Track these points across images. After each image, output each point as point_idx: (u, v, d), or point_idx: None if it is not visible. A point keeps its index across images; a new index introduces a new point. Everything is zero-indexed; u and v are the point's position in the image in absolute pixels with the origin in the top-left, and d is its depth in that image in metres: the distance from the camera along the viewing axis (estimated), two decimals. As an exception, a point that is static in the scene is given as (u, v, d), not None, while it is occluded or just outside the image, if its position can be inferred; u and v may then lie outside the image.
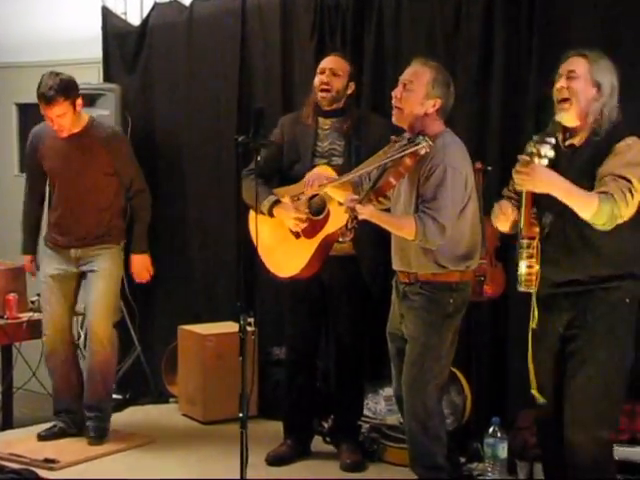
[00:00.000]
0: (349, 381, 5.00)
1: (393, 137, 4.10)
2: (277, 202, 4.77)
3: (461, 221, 3.94)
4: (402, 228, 3.93)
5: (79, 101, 5.00)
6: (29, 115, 5.48)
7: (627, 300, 3.48)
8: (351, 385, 5.01)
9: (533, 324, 3.67)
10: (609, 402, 3.51)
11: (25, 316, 5.48)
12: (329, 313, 5.01)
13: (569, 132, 3.60)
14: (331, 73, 4.81)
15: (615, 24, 4.66)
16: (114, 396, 5.88)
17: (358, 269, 4.78)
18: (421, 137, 3.87)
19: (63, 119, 4.94)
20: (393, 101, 4.06)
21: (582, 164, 3.48)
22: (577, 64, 3.55)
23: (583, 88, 3.52)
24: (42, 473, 4.55)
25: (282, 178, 4.93)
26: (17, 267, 5.56)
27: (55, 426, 5.22)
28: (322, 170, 4.57)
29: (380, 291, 4.53)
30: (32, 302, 5.55)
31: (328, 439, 5.17)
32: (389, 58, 5.31)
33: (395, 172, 3.88)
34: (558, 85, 3.59)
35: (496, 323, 5.02)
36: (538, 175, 3.36)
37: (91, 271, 5.12)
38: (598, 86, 3.50)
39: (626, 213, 3.35)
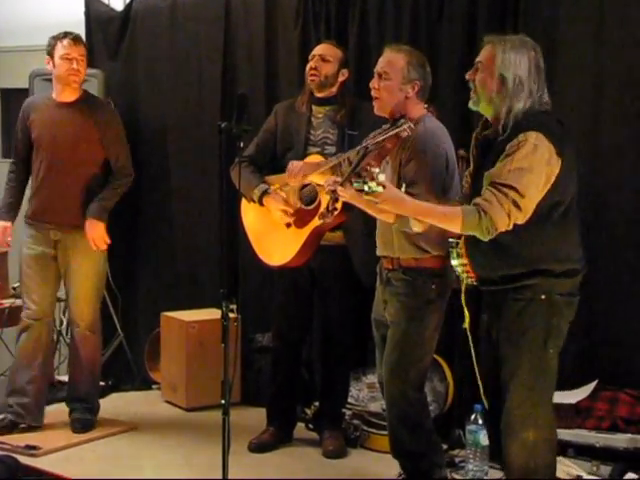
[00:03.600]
0: (335, 369, 5.01)
1: (384, 126, 4.10)
2: (268, 191, 4.77)
3: (442, 204, 3.94)
4: (382, 212, 3.93)
5: (86, 65, 5.08)
6: (12, 100, 5.45)
7: (542, 297, 3.40)
8: (337, 373, 5.02)
9: (465, 324, 3.68)
10: (532, 404, 3.45)
11: (7, 302, 5.46)
12: (317, 302, 5.02)
13: (489, 122, 3.54)
14: (320, 59, 4.81)
15: (602, 8, 4.67)
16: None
17: (348, 259, 4.78)
18: (402, 120, 3.88)
19: (82, 64, 4.98)
20: (372, 92, 4.07)
21: (489, 162, 3.42)
22: (483, 55, 3.47)
23: (486, 81, 3.44)
24: (24, 459, 4.55)
25: (275, 166, 4.93)
26: (0, 253, 5.53)
27: (5, 418, 5.09)
28: (313, 159, 4.57)
29: (371, 280, 4.52)
30: (14, 288, 5.53)
31: (311, 426, 5.18)
32: (373, 46, 5.29)
33: (377, 155, 3.89)
34: (466, 76, 3.53)
35: (479, 310, 5.02)
36: (387, 203, 3.40)
37: (72, 258, 5.04)
38: (502, 79, 3.40)
39: (504, 224, 3.29)
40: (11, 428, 5.05)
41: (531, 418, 3.45)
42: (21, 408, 5.08)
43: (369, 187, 3.30)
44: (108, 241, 5.09)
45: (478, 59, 3.49)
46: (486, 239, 3.33)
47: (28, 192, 5.20)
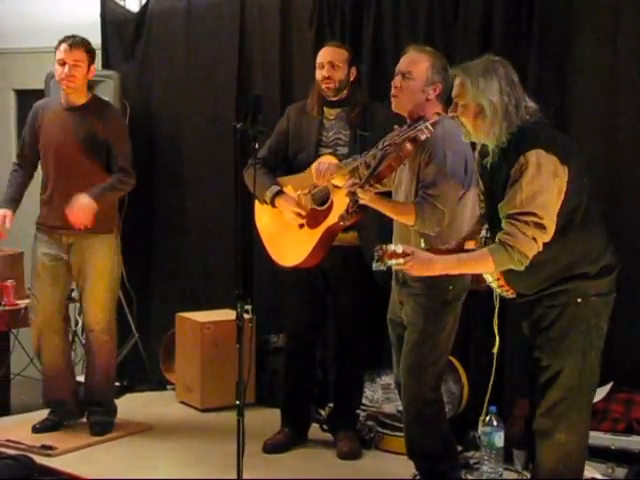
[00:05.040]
0: (349, 370, 5.01)
1: (396, 126, 4.10)
2: (280, 192, 4.78)
3: (461, 207, 3.95)
4: (402, 213, 3.94)
5: (93, 68, 5.04)
6: (27, 101, 5.48)
7: (578, 300, 3.39)
8: (351, 374, 5.02)
9: (495, 349, 3.69)
10: (568, 405, 3.43)
11: (23, 303, 5.47)
12: (331, 302, 5.01)
13: (486, 150, 3.53)
14: (330, 66, 4.80)
15: (618, 9, 4.65)
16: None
17: (362, 259, 4.77)
18: (421, 122, 3.87)
19: (77, 69, 4.94)
20: (393, 91, 4.06)
21: (500, 187, 3.40)
22: (456, 90, 3.46)
23: (468, 114, 3.42)
24: (39, 459, 4.55)
25: (287, 167, 4.94)
26: (15, 254, 5.55)
27: (48, 420, 5.16)
28: (327, 159, 4.58)
29: (385, 280, 4.52)
30: (29, 289, 5.53)
31: (325, 427, 5.17)
32: (388, 47, 5.29)
33: (395, 157, 3.88)
34: (449, 113, 3.53)
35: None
36: (416, 269, 3.36)
37: (85, 262, 5.03)
38: (480, 108, 3.38)
39: (533, 250, 3.29)
40: (54, 428, 5.14)
41: (566, 419, 3.44)
42: (63, 411, 5.19)
43: (390, 264, 3.29)
44: (89, 223, 4.90)
45: (454, 95, 3.48)
46: (522, 268, 3.33)
47: (33, 196, 5.20)
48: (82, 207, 4.87)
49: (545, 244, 3.32)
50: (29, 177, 5.20)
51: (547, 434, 3.46)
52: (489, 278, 3.53)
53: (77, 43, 4.96)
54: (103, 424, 5.14)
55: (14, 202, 5.11)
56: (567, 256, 3.39)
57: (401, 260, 3.26)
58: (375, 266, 3.28)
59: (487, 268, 3.40)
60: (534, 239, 3.28)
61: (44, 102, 5.25)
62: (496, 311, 3.65)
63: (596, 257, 3.43)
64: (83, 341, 5.65)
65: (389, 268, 3.37)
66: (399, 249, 3.27)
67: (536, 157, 3.27)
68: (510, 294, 3.54)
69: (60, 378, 5.17)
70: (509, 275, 3.46)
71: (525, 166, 3.28)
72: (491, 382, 3.74)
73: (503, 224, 3.34)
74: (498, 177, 3.43)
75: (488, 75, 3.40)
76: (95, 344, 5.14)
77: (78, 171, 5.00)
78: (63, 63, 4.93)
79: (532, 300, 3.48)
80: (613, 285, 3.50)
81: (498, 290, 3.56)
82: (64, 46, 4.94)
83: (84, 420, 5.21)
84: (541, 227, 3.28)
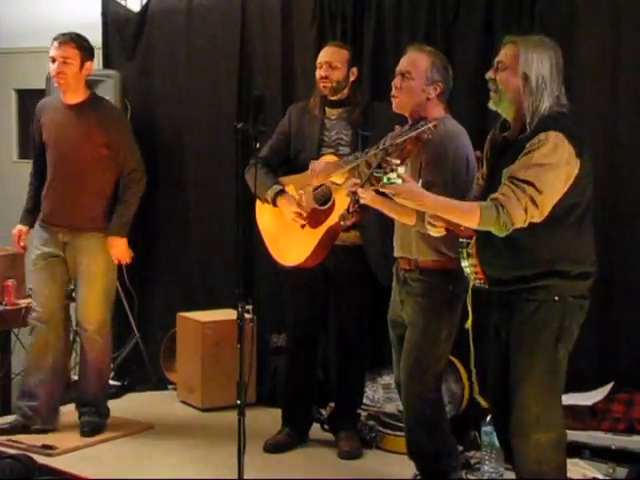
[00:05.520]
0: (350, 370, 5.01)
1: (398, 126, 4.10)
2: (281, 192, 4.78)
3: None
4: (402, 213, 3.94)
5: (88, 65, 5.00)
6: (28, 101, 5.49)
7: (555, 299, 3.39)
8: (352, 374, 5.02)
9: (468, 324, 3.67)
10: (544, 405, 3.43)
11: (23, 302, 5.47)
12: (332, 302, 5.02)
13: (508, 124, 3.53)
14: (328, 66, 4.81)
15: (618, 8, 4.66)
16: (113, 383, 5.90)
17: (363, 259, 4.78)
18: (423, 123, 3.86)
19: (66, 66, 4.92)
20: (393, 91, 4.06)
21: (509, 161, 3.40)
22: (505, 54, 3.45)
23: (509, 80, 3.42)
24: (40, 459, 4.55)
25: (289, 167, 4.95)
26: (16, 253, 5.55)
27: (15, 420, 5.09)
28: (328, 158, 4.58)
29: (388, 280, 4.53)
30: (30, 288, 5.53)
31: (326, 427, 5.18)
32: (389, 47, 5.29)
33: (396, 157, 3.87)
34: (487, 75, 3.52)
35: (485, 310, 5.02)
36: (406, 196, 3.40)
37: (82, 261, 5.02)
38: (525, 78, 3.38)
39: (521, 219, 3.28)
40: (21, 430, 5.03)
41: (543, 419, 3.43)
42: (30, 410, 5.07)
43: (388, 178, 3.32)
44: (131, 256, 5.13)
45: (499, 58, 3.47)
46: (502, 234, 3.32)
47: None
48: (118, 251, 5.05)
49: (535, 228, 3.31)
50: (43, 179, 5.15)
51: (526, 436, 3.45)
52: (465, 263, 3.52)
53: (67, 39, 4.94)
54: (93, 425, 5.10)
55: (31, 215, 5.18)
56: (553, 248, 3.38)
57: (399, 180, 3.34)
58: (376, 172, 3.42)
59: (470, 221, 3.35)
60: (525, 210, 3.27)
61: (45, 100, 5.27)
62: (469, 288, 3.61)
63: (579, 259, 3.43)
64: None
65: (390, 265, 3.38)
66: (402, 169, 3.36)
67: (556, 138, 3.28)
68: (482, 283, 3.52)
69: (41, 375, 5.08)
70: (489, 254, 3.43)
71: (544, 142, 3.28)
72: (472, 357, 3.71)
73: (501, 186, 3.33)
74: (510, 152, 3.42)
75: (543, 50, 3.41)
76: (87, 344, 5.11)
77: (77, 169, 4.99)
78: (53, 60, 4.94)
79: (508, 292, 3.46)
80: (587, 291, 3.48)
81: (472, 277, 3.53)
82: (54, 43, 4.94)
83: (77, 420, 5.19)
84: (534, 202, 3.27)
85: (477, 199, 3.58)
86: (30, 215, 5.17)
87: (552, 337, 3.41)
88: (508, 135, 3.50)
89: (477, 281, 3.53)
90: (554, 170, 3.28)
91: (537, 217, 3.30)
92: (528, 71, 3.38)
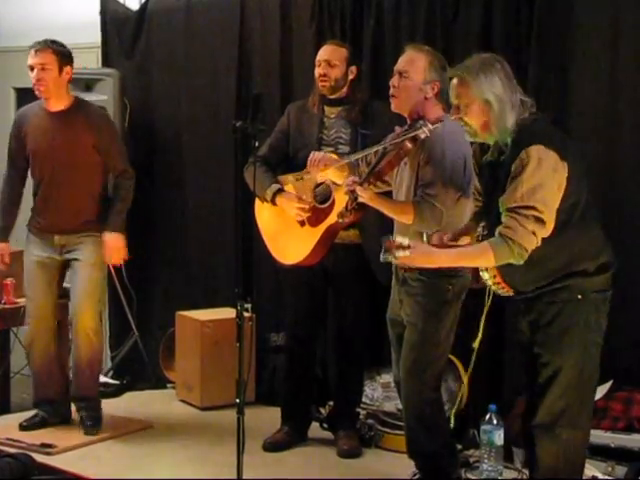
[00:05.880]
0: (349, 368, 5.01)
1: (397, 127, 4.10)
2: (280, 190, 4.78)
3: (460, 206, 3.94)
4: (400, 212, 3.95)
5: (68, 69, 4.97)
6: (27, 99, 5.47)
7: (578, 296, 3.40)
8: (351, 372, 5.02)
9: (475, 343, 3.69)
10: (569, 402, 3.44)
11: (22, 301, 5.46)
12: (331, 300, 5.02)
13: (486, 145, 3.54)
14: (327, 64, 4.80)
15: (619, 8, 4.65)
16: (111, 382, 5.90)
17: (363, 257, 4.77)
18: (421, 122, 3.87)
19: (45, 72, 4.90)
20: (391, 90, 4.07)
21: (500, 184, 3.41)
22: (459, 91, 3.45)
23: (473, 114, 3.41)
24: (39, 458, 4.55)
25: (288, 166, 4.94)
26: (15, 252, 5.53)
27: (36, 415, 5.17)
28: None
29: (387, 278, 4.53)
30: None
31: (325, 425, 5.18)
32: (388, 46, 5.29)
33: (395, 155, 3.89)
34: (451, 117, 3.52)
35: (493, 310, 5.01)
36: (418, 260, 3.40)
37: (75, 260, 5.05)
38: (485, 104, 3.38)
39: (532, 244, 3.30)
40: (42, 425, 5.13)
41: (567, 416, 3.44)
42: (52, 410, 5.19)
43: (395, 257, 3.30)
44: (126, 255, 5.14)
45: (456, 101, 3.47)
46: (521, 263, 3.34)
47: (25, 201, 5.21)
48: (114, 248, 5.04)
49: (544, 240, 3.33)
50: (20, 190, 5.21)
51: (548, 430, 3.46)
52: (485, 275, 3.53)
53: (43, 46, 4.92)
54: (93, 419, 5.14)
55: (7, 230, 5.20)
56: (566, 253, 3.40)
57: (407, 252, 3.28)
58: (383, 257, 3.32)
59: (487, 262, 3.39)
60: (534, 233, 3.29)
61: (25, 109, 5.21)
62: (485, 309, 3.64)
63: (595, 254, 3.44)
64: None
65: (390, 263, 3.40)
66: (405, 241, 3.29)
67: (537, 152, 3.29)
68: (506, 292, 3.54)
69: (50, 378, 5.18)
70: (507, 272, 3.45)
71: (526, 161, 3.29)
72: (468, 373, 3.74)
73: (503, 218, 3.35)
74: (498, 173, 3.44)
75: (487, 70, 3.41)
76: (80, 341, 5.10)
77: (69, 174, 5.01)
78: (32, 68, 4.92)
79: (531, 297, 3.48)
80: (609, 283, 3.50)
81: (494, 288, 3.55)
82: (31, 52, 4.93)
83: (75, 419, 5.22)
84: (541, 221, 3.29)
85: (477, 214, 3.70)
86: (6, 231, 5.21)
87: (580, 335, 3.42)
88: (489, 157, 3.51)
89: (502, 291, 3.54)
90: (546, 185, 3.29)
91: (546, 233, 3.33)
92: (485, 97, 3.38)
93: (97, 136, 5.03)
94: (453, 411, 4.15)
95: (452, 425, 4.19)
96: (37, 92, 4.98)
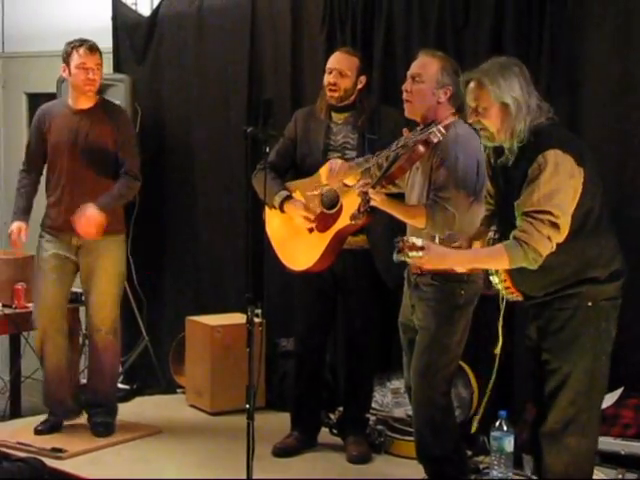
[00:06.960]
0: (359, 374, 5.01)
1: (405, 130, 4.10)
2: (288, 197, 4.78)
3: (473, 210, 3.94)
4: (413, 216, 3.95)
5: (102, 73, 5.07)
6: (39, 104, 5.50)
7: (589, 304, 3.40)
8: (361, 378, 5.01)
9: (497, 349, 3.67)
10: (579, 409, 3.43)
11: (33, 305, 5.48)
12: (341, 306, 5.01)
13: (500, 147, 3.53)
14: (338, 73, 4.78)
15: (630, 11, 4.64)
16: (122, 386, 5.91)
17: (372, 263, 4.77)
18: (434, 126, 3.87)
19: (98, 73, 4.97)
20: (404, 95, 4.08)
21: (515, 187, 3.41)
22: (475, 94, 3.45)
23: (491, 118, 3.42)
24: (49, 462, 4.57)
25: (295, 172, 4.95)
26: (25, 257, 5.56)
27: (48, 420, 5.17)
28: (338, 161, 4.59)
29: (396, 283, 4.53)
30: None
31: (335, 431, 5.17)
32: (399, 51, 5.29)
33: (407, 159, 3.89)
34: (470, 120, 3.53)
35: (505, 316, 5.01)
36: (432, 262, 3.39)
37: (94, 260, 5.03)
38: (503, 107, 3.38)
39: (547, 249, 3.30)
40: (56, 428, 5.15)
41: (576, 423, 3.44)
42: (63, 411, 5.20)
43: (410, 257, 3.30)
44: (100, 232, 4.91)
45: (474, 104, 3.47)
46: (535, 267, 3.34)
47: (41, 198, 5.20)
48: (90, 218, 4.87)
49: (558, 247, 3.33)
50: (37, 182, 5.22)
51: (556, 438, 3.45)
52: (496, 280, 3.53)
53: (95, 47, 4.99)
54: (107, 425, 5.14)
55: (27, 214, 5.15)
56: (578, 260, 3.40)
57: (420, 253, 3.28)
58: (396, 258, 3.32)
59: (501, 265, 3.39)
60: (549, 238, 3.30)
61: (49, 106, 5.23)
62: (501, 313, 3.64)
63: (606, 262, 3.44)
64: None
65: (399, 268, 3.39)
66: (418, 242, 3.29)
67: (554, 157, 3.29)
68: (516, 297, 3.54)
69: (62, 379, 5.16)
70: (518, 276, 3.45)
71: (544, 165, 3.29)
72: (491, 382, 3.73)
73: (518, 222, 3.35)
74: (513, 177, 3.44)
75: (506, 73, 3.42)
76: (101, 345, 5.13)
77: (89, 173, 5.00)
78: (85, 67, 4.94)
79: (542, 302, 3.48)
80: (619, 291, 3.50)
81: (504, 292, 3.55)
82: (84, 50, 4.94)
83: (86, 422, 5.22)
84: (556, 226, 3.29)
85: (487, 219, 3.69)
86: (27, 214, 5.15)
87: (590, 342, 3.42)
88: (504, 160, 3.50)
89: (512, 296, 3.54)
90: (562, 190, 3.30)
91: (560, 238, 3.33)
92: (503, 100, 3.39)
93: (119, 135, 5.05)
94: (477, 418, 4.12)
95: (474, 430, 4.17)
96: (88, 91, 4.99)
